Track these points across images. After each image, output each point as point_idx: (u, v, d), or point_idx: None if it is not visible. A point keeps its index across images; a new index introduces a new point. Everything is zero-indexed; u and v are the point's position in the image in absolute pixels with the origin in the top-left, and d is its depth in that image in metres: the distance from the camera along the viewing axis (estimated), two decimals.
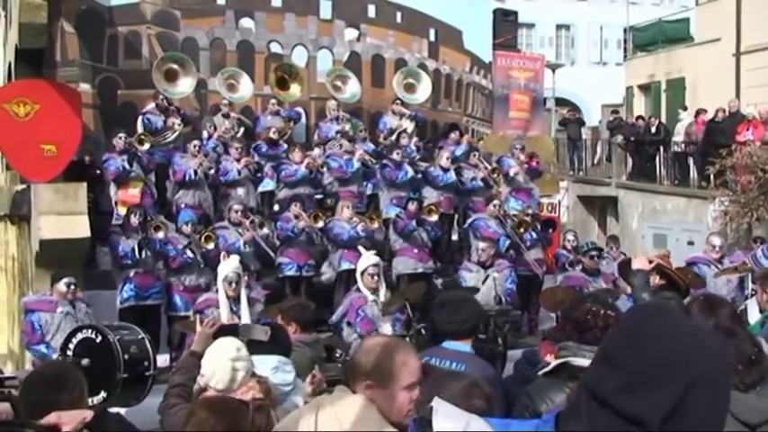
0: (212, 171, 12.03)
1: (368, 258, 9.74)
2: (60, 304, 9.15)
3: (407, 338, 8.26)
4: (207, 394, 4.02)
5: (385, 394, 2.99)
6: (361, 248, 10.29)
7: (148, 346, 7.71)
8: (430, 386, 2.80)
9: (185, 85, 13.18)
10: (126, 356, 7.36)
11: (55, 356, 8.53)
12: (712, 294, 5.42)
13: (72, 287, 9.24)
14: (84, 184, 10.82)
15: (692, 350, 1.67)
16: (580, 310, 4.12)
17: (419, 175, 13.07)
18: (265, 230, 11.37)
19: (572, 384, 3.78)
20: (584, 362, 3.83)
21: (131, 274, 10.43)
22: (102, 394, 7.28)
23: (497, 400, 3.98)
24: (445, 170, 13.00)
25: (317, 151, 13.06)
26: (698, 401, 1.63)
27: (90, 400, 7.18)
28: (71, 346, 7.64)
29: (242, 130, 13.46)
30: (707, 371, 1.65)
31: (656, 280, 5.77)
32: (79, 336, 7.61)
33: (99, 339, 7.48)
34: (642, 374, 1.63)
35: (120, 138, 11.68)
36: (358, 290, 9.67)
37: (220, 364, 4.09)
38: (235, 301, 9.31)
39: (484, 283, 10.76)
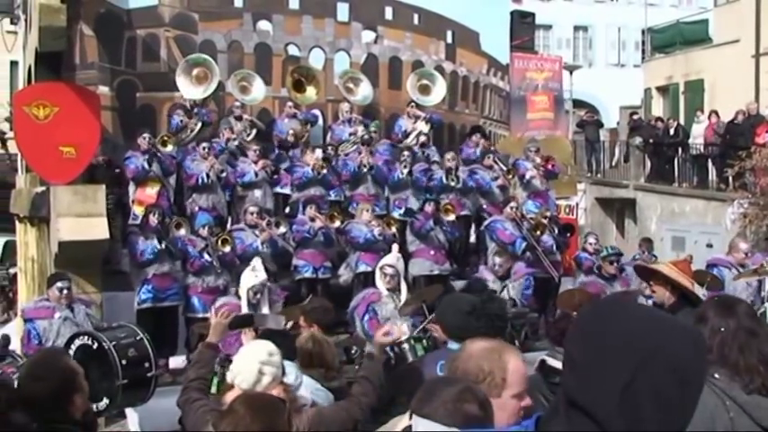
0: (224, 174, 12.04)
1: (387, 258, 9.78)
2: (58, 309, 9.05)
3: (424, 340, 8.27)
4: (232, 392, 4.03)
5: (495, 404, 2.74)
6: (394, 247, 10.36)
7: (148, 346, 7.68)
8: (422, 392, 2.73)
9: (205, 91, 13.23)
10: (123, 362, 7.34)
11: None
12: (726, 295, 5.30)
13: (65, 291, 9.11)
14: (103, 186, 10.87)
15: (637, 331, 1.64)
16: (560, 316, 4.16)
17: (413, 177, 12.94)
18: (282, 229, 11.39)
19: (547, 383, 3.85)
20: (556, 362, 3.89)
21: (149, 276, 10.47)
22: (105, 401, 7.29)
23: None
24: (447, 172, 12.93)
25: (318, 152, 13.00)
26: (649, 382, 1.58)
27: (94, 406, 7.27)
28: (70, 353, 7.67)
29: (254, 132, 13.48)
30: (658, 349, 1.61)
31: (666, 293, 5.58)
32: (77, 342, 7.62)
33: (95, 346, 7.47)
34: (587, 365, 1.63)
35: (145, 138, 11.73)
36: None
37: (248, 364, 4.10)
38: (255, 307, 9.34)
39: (500, 292, 10.77)
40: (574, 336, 1.74)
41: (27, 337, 9.05)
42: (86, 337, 7.67)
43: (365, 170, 12.63)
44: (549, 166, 13.43)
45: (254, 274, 9.47)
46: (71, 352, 7.56)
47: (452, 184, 12.83)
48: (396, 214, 12.50)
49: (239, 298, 9.61)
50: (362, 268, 11.46)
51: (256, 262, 9.69)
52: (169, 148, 11.90)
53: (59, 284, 9.12)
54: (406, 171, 12.73)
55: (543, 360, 3.98)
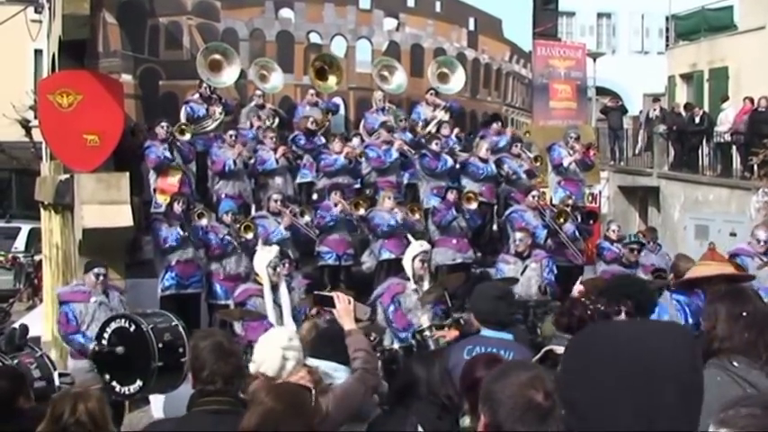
0: (252, 161, 12.09)
1: (419, 245, 9.77)
2: (93, 294, 9.12)
3: (446, 328, 8.28)
4: (256, 382, 4.07)
5: None
6: (410, 237, 10.34)
7: (182, 332, 7.74)
8: (499, 370, 2.75)
9: (229, 76, 13.24)
10: (160, 345, 7.41)
11: (92, 346, 8.64)
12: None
13: (101, 278, 9.17)
14: (127, 174, 10.94)
15: (632, 357, 1.56)
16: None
17: (458, 166, 12.99)
18: (307, 218, 11.42)
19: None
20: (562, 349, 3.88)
21: (173, 263, 10.54)
22: (138, 383, 7.36)
23: None
24: (484, 161, 12.91)
25: (356, 141, 13.05)
26: (657, 404, 1.53)
27: (126, 388, 7.35)
28: (105, 335, 7.73)
29: (276, 120, 13.48)
30: (657, 370, 1.55)
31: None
32: (113, 325, 7.69)
33: (132, 328, 7.54)
34: (592, 404, 1.56)
35: (162, 126, 11.78)
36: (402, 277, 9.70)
37: (271, 351, 4.14)
38: (273, 288, 9.38)
39: (522, 273, 10.73)
40: (570, 379, 1.63)
41: (64, 318, 9.08)
42: (123, 320, 7.74)
43: (410, 156, 12.71)
44: (591, 154, 13.31)
45: (266, 251, 9.50)
46: (106, 335, 7.65)
47: (513, 175, 13.04)
48: (433, 203, 12.47)
49: (258, 282, 9.60)
50: (386, 255, 11.46)
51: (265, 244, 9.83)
52: (187, 136, 11.96)
53: (96, 270, 9.18)
54: (451, 160, 12.79)
55: (550, 350, 3.93)
